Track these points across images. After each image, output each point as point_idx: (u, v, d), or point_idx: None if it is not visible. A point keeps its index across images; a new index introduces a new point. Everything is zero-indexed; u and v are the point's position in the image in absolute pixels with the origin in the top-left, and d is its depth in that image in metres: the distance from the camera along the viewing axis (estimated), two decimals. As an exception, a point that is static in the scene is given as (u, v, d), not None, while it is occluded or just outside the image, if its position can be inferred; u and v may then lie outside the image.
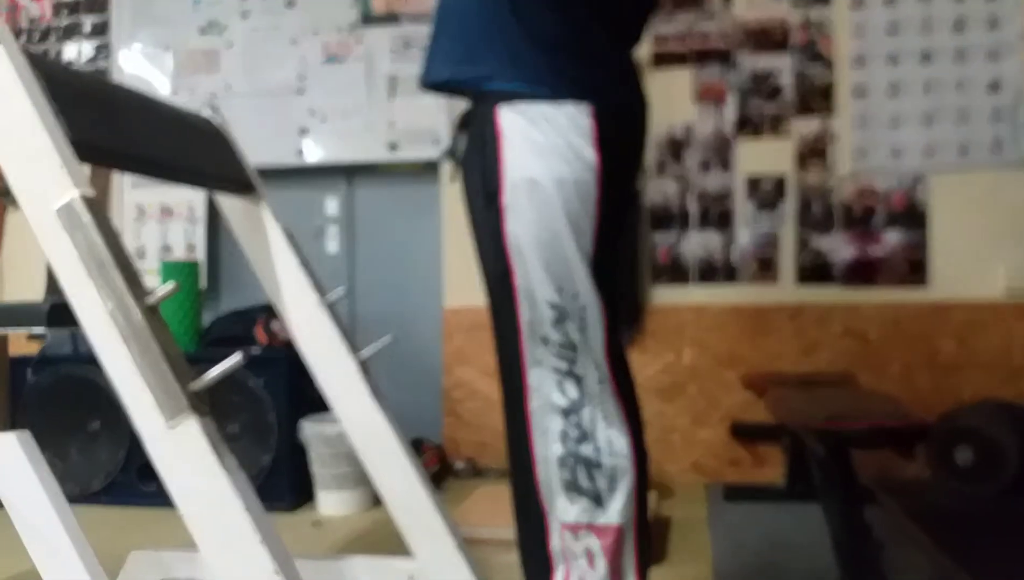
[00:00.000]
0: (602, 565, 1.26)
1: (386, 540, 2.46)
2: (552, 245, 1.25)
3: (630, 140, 1.36)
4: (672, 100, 3.46)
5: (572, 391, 1.27)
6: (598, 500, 1.26)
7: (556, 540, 1.29)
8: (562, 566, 1.30)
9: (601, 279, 1.28)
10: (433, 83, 1.41)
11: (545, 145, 1.24)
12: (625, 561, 1.27)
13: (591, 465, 1.26)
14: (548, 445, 1.28)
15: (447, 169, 1.45)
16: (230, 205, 1.75)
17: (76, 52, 4.03)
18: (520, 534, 1.36)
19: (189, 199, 3.87)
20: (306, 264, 1.71)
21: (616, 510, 1.26)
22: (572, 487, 1.27)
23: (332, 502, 3.02)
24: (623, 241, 1.37)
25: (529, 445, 1.29)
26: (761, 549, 2.47)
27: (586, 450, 1.26)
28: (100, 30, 4.00)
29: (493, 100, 1.29)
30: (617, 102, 1.32)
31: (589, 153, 1.25)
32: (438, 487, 3.15)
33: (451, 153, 1.44)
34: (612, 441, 1.26)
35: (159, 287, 1.08)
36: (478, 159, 1.32)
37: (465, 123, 1.40)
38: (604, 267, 1.29)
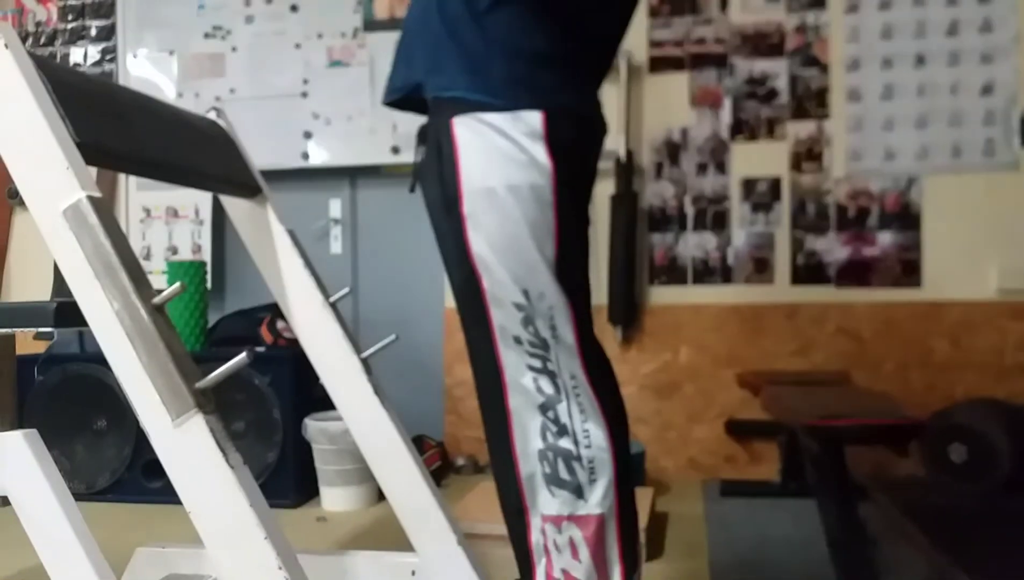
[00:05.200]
0: (585, 555, 1.28)
1: (389, 536, 2.48)
2: (515, 250, 1.27)
3: (586, 148, 1.37)
4: (669, 104, 3.49)
5: (547, 387, 1.29)
6: (579, 492, 1.28)
7: (536, 535, 1.31)
8: (543, 560, 1.31)
9: (567, 279, 1.30)
10: (397, 88, 1.41)
11: (500, 153, 1.25)
12: (609, 550, 1.29)
13: (571, 458, 1.28)
14: (528, 441, 1.30)
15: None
16: (235, 207, 1.75)
17: (82, 56, 4.05)
18: (509, 531, 1.38)
19: (195, 200, 3.89)
20: (310, 265, 1.71)
21: (596, 500, 1.28)
22: (553, 480, 1.29)
23: (336, 498, 3.04)
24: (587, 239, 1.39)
25: (511, 442, 1.32)
26: (756, 544, 2.49)
27: (565, 443, 1.28)
28: (106, 34, 4.03)
29: (449, 111, 1.29)
30: (574, 109, 1.32)
31: (543, 158, 1.25)
32: (439, 483, 3.18)
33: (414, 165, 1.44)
34: (590, 433, 1.28)
35: (166, 287, 1.08)
36: (436, 170, 1.32)
37: (423, 135, 1.40)
38: (570, 267, 1.31)
